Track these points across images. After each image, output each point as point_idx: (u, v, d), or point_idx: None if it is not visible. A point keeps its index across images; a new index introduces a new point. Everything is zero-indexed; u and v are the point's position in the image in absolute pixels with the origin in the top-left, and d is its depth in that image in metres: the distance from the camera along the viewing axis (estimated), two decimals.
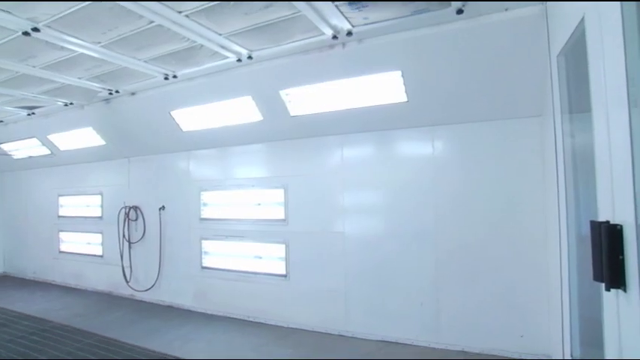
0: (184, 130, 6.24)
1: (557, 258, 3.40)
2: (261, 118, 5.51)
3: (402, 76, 4.37)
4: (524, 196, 4.49)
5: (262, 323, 5.96)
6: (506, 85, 4.20)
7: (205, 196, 6.71)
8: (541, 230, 4.32)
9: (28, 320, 6.65)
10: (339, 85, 4.77)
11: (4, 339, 5.77)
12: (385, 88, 4.65)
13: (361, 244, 5.32)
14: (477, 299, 4.65)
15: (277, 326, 5.81)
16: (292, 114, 5.26)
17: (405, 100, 4.65)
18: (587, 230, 2.92)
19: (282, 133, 5.71)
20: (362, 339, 5.20)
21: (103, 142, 7.46)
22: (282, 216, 5.86)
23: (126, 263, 7.67)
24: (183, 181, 6.96)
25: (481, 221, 4.68)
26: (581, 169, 2.93)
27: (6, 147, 9.03)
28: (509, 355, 4.45)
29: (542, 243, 4.30)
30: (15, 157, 9.37)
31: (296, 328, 5.67)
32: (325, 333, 5.46)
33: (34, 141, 8.32)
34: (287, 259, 5.81)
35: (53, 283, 9.29)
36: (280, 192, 5.87)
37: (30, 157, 8.78)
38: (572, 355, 3.09)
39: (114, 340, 5.53)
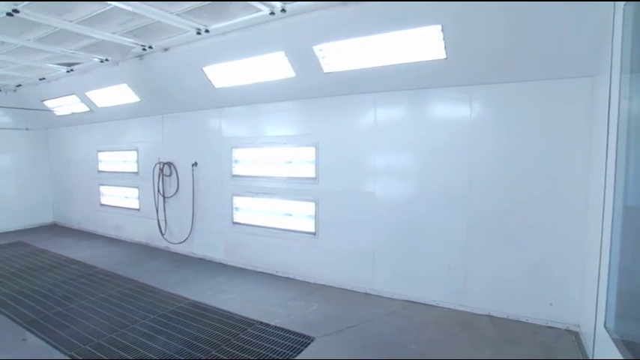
0: (216, 86, 6.23)
1: (599, 228, 3.25)
2: (294, 75, 5.40)
3: (442, 30, 4.11)
4: (566, 163, 4.24)
5: (290, 278, 6.16)
6: (556, 39, 3.84)
7: (237, 153, 6.77)
8: (582, 199, 4.13)
9: (76, 265, 7.18)
10: (375, 41, 4.56)
11: (58, 279, 6.31)
12: (423, 44, 4.42)
13: (391, 205, 5.28)
14: (507, 265, 4.58)
15: (305, 282, 5.99)
16: (326, 70, 5.12)
17: (444, 57, 4.40)
18: (634, 201, 2.77)
19: (315, 90, 5.59)
20: (387, 298, 5.30)
21: (137, 99, 7.60)
22: (312, 174, 5.86)
23: (161, 217, 8.01)
24: (215, 138, 7.04)
25: (518, 188, 4.50)
26: (636, 137, 2.70)
27: (49, 104, 9.40)
28: (537, 322, 4.42)
29: (582, 212, 4.12)
30: (58, 114, 9.76)
31: (323, 285, 5.83)
32: (351, 291, 5.58)
33: (74, 98, 8.60)
34: (316, 218, 5.87)
35: (96, 233, 9.90)
36: (311, 150, 5.84)
37: (72, 113, 9.09)
38: (605, 326, 3.02)
39: (151, 287, 5.90)
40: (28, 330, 4.54)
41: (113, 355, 3.94)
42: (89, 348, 4.09)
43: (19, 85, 9.04)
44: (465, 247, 4.82)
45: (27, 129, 10.51)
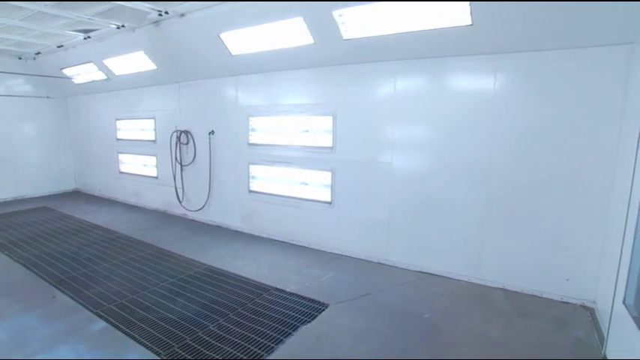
0: (233, 53, 6.14)
1: (625, 207, 3.15)
2: (312, 42, 5.26)
3: None
4: (594, 139, 4.07)
5: (306, 247, 6.25)
6: (590, 3, 3.58)
7: (253, 122, 6.74)
8: (607, 176, 3.98)
9: (98, 230, 7.42)
10: (397, 6, 4.37)
11: (82, 243, 6.56)
12: (447, 9, 4.21)
13: (408, 177, 5.24)
14: (525, 240, 4.53)
15: (320, 251, 6.08)
16: (345, 37, 4.97)
17: (469, 23, 4.20)
18: None
19: (334, 57, 5.45)
20: (401, 268, 5.34)
21: (154, 67, 7.57)
22: (329, 144, 5.81)
23: (178, 185, 8.14)
24: (231, 106, 7.00)
25: (541, 163, 4.37)
26: None
27: (68, 72, 9.46)
28: (551, 297, 4.41)
29: (606, 190, 4.00)
30: (76, 82, 9.82)
31: (338, 254, 5.90)
32: (366, 260, 5.65)
33: (92, 66, 8.61)
34: (333, 187, 5.87)
35: (116, 200, 10.16)
36: (329, 119, 5.77)
37: (93, 80, 9.14)
38: (624, 302, 2.99)
39: (170, 252, 6.07)
40: (57, 288, 4.76)
41: (135, 314, 4.12)
42: (113, 307, 4.27)
43: (39, 53, 9.09)
44: (482, 221, 4.77)
45: (48, 97, 10.65)
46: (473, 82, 4.77)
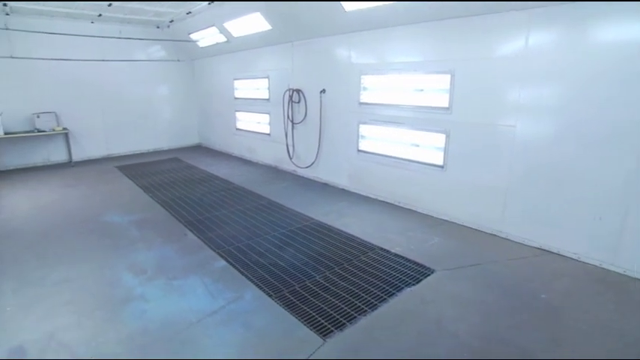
0: (347, 10, 5.97)
1: None
2: None
3: None
4: None
5: (412, 210, 6.10)
6: None
7: (365, 80, 6.58)
8: None
9: (217, 180, 8.26)
10: None
11: (205, 191, 7.39)
12: None
13: (534, 142, 4.63)
14: None
15: (427, 215, 5.88)
16: None
17: None
18: None
19: (453, 9, 4.94)
20: (516, 242, 4.89)
21: (269, 27, 7.80)
22: (445, 104, 5.41)
23: (289, 142, 8.52)
24: (343, 64, 6.92)
25: None
26: None
27: (194, 36, 10.34)
28: None
29: None
30: (201, 46, 10.72)
31: (446, 220, 5.65)
32: (476, 229, 5.30)
33: (214, 29, 9.24)
34: (446, 150, 5.52)
35: (232, 154, 11.12)
36: (446, 78, 5.33)
37: (216, 43, 9.86)
38: None
39: (281, 205, 6.48)
40: (187, 228, 5.47)
41: (250, 257, 4.52)
42: (231, 249, 4.76)
43: (172, 21, 10.07)
44: (624, 196, 4.01)
45: (178, 60, 11.90)
46: (628, 31, 3.86)
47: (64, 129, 9.90)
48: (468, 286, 3.87)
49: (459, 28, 5.11)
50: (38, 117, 9.44)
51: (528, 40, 4.49)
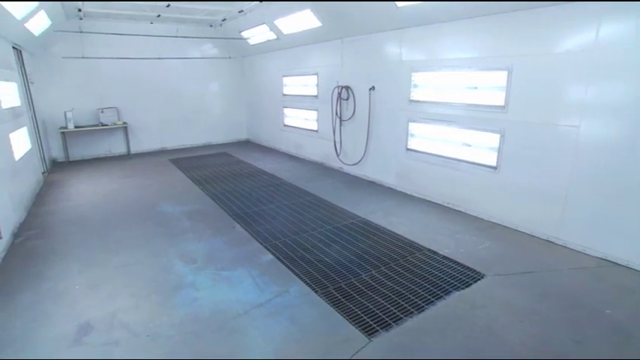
0: (399, 5, 5.85)
1: None
2: None
3: None
4: None
5: (461, 212, 5.89)
6: None
7: (416, 77, 6.42)
8: None
9: (265, 175, 8.43)
10: None
11: (253, 185, 7.57)
12: None
13: (601, 145, 4.26)
14: None
15: (477, 217, 5.66)
16: None
17: None
18: None
19: (513, 2, 4.69)
20: (576, 250, 4.57)
21: (319, 24, 7.82)
22: (501, 102, 5.15)
23: (337, 139, 8.52)
24: (393, 61, 6.79)
25: None
26: None
27: (245, 34, 10.61)
28: None
29: None
30: (251, 43, 10.98)
31: (497, 223, 5.40)
32: (530, 234, 5.02)
33: (264, 27, 9.42)
34: (500, 150, 5.27)
35: (279, 150, 11.31)
36: (502, 74, 5.08)
37: (267, 40, 10.06)
38: None
39: (327, 202, 6.49)
40: (236, 221, 5.64)
41: (296, 252, 4.57)
42: (278, 243, 4.83)
43: (224, 20, 10.38)
44: None
45: (229, 57, 12.27)
46: None
47: (124, 123, 10.59)
48: (522, 294, 3.67)
49: (518, 21, 4.83)
50: (102, 112, 10.19)
51: (599, 32, 4.15)
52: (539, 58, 4.69)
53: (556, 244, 4.76)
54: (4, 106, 5.93)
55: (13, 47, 7.31)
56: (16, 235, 5.22)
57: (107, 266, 4.32)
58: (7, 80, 6.45)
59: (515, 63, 4.93)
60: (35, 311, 3.48)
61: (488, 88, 5.31)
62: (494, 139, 5.30)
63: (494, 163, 5.38)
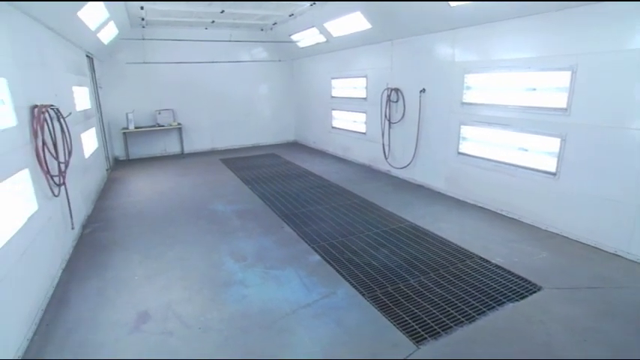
0: (452, 5, 5.69)
1: None
2: None
3: None
4: None
5: (516, 220, 5.61)
6: None
7: (469, 79, 6.21)
8: None
9: (312, 176, 8.53)
10: None
11: (300, 187, 7.68)
12: None
13: None
14: None
15: (533, 226, 5.36)
16: None
17: None
18: None
19: None
20: None
21: (369, 26, 7.79)
22: (562, 104, 4.85)
23: (385, 142, 8.43)
24: (445, 62, 6.62)
25: None
26: None
27: (294, 37, 10.80)
28: None
29: None
30: (300, 46, 11.15)
31: (556, 233, 5.09)
32: (594, 247, 4.68)
33: (314, 30, 9.53)
34: (560, 156, 4.96)
35: (327, 152, 11.38)
36: (565, 75, 4.78)
37: (317, 43, 10.18)
38: None
39: (374, 205, 6.45)
40: (284, 221, 5.75)
41: (343, 254, 4.58)
42: (325, 245, 4.87)
43: (275, 24, 10.64)
44: None
45: (279, 60, 12.56)
46: None
47: (179, 124, 11.18)
48: (585, 311, 3.44)
49: (582, 18, 4.53)
50: (159, 113, 10.85)
51: None
52: (607, 56, 4.36)
53: (625, 258, 4.40)
54: (78, 108, 6.47)
55: (87, 55, 7.98)
56: (84, 227, 5.69)
57: (163, 259, 4.59)
58: (81, 85, 7.08)
59: (579, 62, 4.62)
60: (101, 297, 3.79)
61: (549, 89, 5.02)
62: (554, 143, 5.00)
63: (553, 169, 5.07)
